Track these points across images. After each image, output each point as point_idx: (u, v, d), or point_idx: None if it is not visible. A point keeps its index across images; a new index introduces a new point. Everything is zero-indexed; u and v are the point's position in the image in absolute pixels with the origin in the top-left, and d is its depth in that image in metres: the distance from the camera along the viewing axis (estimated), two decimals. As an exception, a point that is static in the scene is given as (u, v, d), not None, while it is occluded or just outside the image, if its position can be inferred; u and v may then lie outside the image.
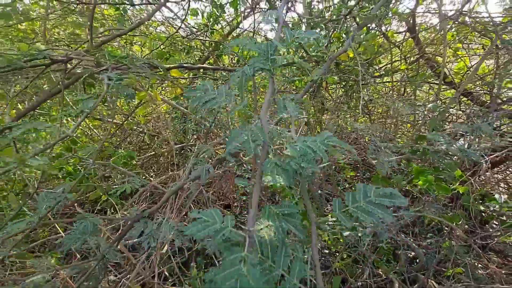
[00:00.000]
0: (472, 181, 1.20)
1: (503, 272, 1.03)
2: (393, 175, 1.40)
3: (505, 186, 1.88)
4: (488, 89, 1.88)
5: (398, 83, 2.50)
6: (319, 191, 2.47)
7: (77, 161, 1.42)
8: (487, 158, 1.17)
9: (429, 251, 1.47)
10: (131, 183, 1.06)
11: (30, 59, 0.67)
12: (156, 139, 2.82)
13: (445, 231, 1.29)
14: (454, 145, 0.87)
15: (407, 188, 1.16)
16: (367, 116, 3.08)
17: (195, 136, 2.73)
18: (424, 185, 0.91)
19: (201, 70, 1.66)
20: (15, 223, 0.73)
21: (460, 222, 1.17)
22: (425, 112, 1.39)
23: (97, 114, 2.26)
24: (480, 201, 1.63)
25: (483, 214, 1.54)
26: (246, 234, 0.40)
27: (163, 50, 1.78)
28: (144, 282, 1.24)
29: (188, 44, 1.96)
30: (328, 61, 1.03)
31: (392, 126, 2.94)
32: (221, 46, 2.27)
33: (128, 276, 1.26)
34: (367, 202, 0.57)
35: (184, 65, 1.20)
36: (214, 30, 2.38)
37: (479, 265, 1.23)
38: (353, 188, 2.44)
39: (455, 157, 0.95)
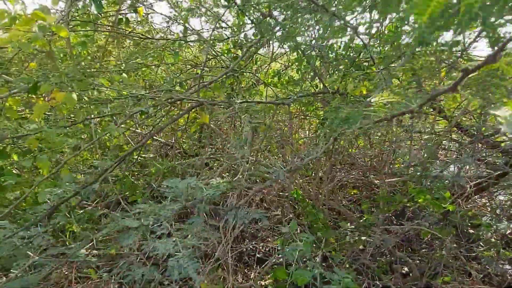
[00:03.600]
0: (460, 202, 1.44)
1: (481, 275, 1.25)
2: (394, 193, 1.64)
3: (489, 210, 2.13)
4: (476, 123, 2.16)
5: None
6: (324, 207, 2.69)
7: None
8: (471, 183, 1.41)
9: (422, 263, 1.69)
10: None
11: (167, 99, 0.91)
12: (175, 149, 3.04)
13: (436, 244, 1.52)
14: (446, 171, 1.11)
15: (407, 205, 1.40)
16: (367, 140, 3.35)
17: (210, 148, 2.97)
18: (423, 202, 1.14)
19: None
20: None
21: (450, 237, 1.40)
22: (422, 141, 1.65)
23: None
24: (468, 223, 1.87)
25: (471, 233, 1.77)
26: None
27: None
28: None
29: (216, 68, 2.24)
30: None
31: (391, 151, 3.21)
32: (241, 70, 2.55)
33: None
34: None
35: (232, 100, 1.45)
36: (237, 55, 2.67)
37: (464, 272, 1.45)
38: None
39: (446, 181, 1.19)
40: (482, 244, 1.71)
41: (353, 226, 1.69)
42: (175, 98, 0.94)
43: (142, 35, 2.09)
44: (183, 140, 2.78)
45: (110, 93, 1.36)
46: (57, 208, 0.96)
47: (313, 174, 3.08)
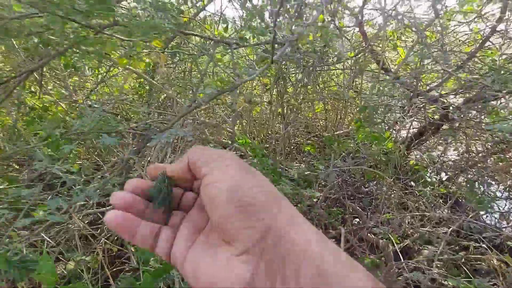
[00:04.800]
0: (400, 146, 1.53)
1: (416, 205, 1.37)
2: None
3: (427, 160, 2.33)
4: (414, 76, 2.29)
5: (347, 71, 2.85)
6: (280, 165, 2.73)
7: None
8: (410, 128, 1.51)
9: (368, 204, 1.82)
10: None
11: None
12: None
13: (379, 184, 1.63)
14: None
15: (357, 149, 1.46)
16: (322, 101, 3.43)
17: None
18: (362, 137, 1.18)
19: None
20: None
21: (391, 176, 1.50)
22: (367, 93, 1.70)
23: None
24: (407, 168, 2.03)
25: (410, 176, 1.93)
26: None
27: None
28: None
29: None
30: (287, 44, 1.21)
31: (343, 110, 3.33)
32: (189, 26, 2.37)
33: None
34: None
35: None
36: (182, 11, 2.45)
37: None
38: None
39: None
40: (420, 185, 1.87)
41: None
42: (94, 26, 0.78)
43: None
44: (129, 106, 2.57)
45: None
46: None
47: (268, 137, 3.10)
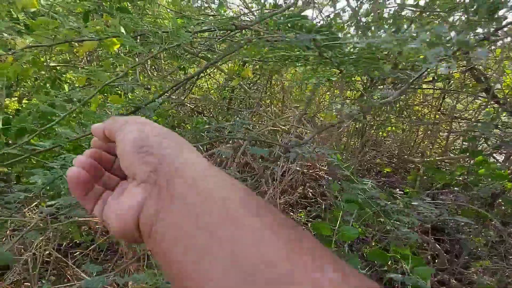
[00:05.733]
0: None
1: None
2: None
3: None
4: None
5: (438, 92, 2.58)
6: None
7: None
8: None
9: (460, 246, 1.61)
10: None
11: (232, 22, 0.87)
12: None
13: (480, 225, 1.43)
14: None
15: (451, 179, 1.32)
16: (400, 122, 3.16)
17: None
18: (485, 173, 1.06)
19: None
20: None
21: (498, 218, 1.31)
22: (473, 120, 1.52)
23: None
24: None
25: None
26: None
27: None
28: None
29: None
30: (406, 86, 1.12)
31: (427, 133, 3.02)
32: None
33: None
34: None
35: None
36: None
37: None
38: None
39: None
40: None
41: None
42: (239, 26, 0.87)
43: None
44: (212, 106, 2.75)
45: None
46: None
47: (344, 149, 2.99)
